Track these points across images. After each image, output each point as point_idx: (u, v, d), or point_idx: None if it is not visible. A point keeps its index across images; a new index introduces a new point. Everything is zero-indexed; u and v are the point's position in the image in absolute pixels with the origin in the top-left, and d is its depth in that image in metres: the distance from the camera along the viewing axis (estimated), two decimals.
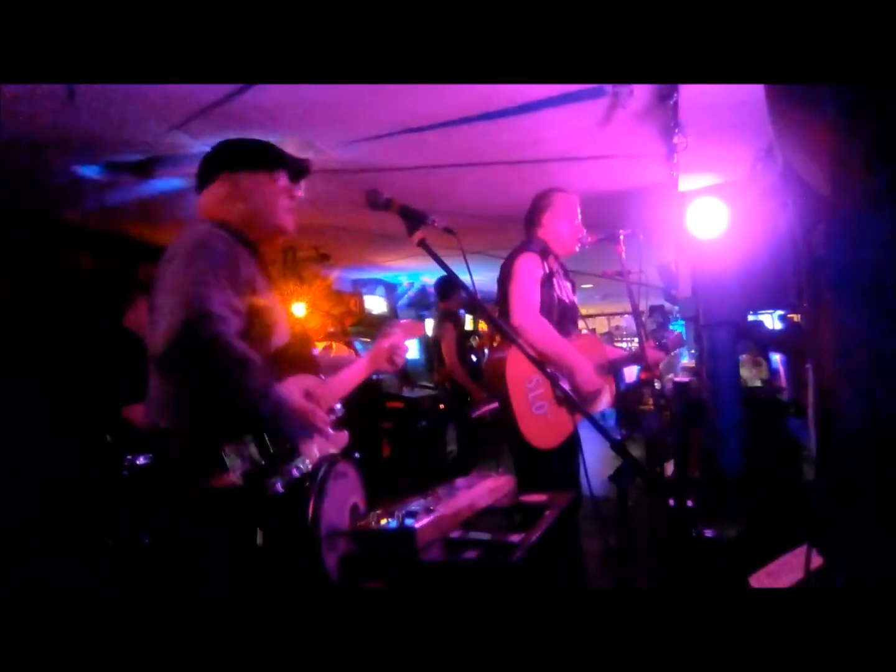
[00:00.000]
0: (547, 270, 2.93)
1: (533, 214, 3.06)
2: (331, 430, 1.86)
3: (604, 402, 3.04)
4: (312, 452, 1.77)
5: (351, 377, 2.03)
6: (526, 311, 2.75)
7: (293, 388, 1.72)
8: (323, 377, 1.91)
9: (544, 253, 2.92)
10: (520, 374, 2.71)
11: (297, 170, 1.93)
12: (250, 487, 1.57)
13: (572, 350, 2.85)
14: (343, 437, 1.93)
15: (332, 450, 1.88)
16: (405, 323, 2.32)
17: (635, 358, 3.07)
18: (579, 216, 3.06)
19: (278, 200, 1.87)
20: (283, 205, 1.88)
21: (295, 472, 1.67)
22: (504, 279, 2.90)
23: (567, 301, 3.02)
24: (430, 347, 5.93)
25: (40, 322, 4.32)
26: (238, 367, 1.52)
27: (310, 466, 1.73)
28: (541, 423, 2.73)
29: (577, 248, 3.06)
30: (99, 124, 3.17)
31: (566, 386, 2.85)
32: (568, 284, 3.13)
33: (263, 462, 1.61)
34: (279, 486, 1.61)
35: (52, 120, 3.07)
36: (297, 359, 1.83)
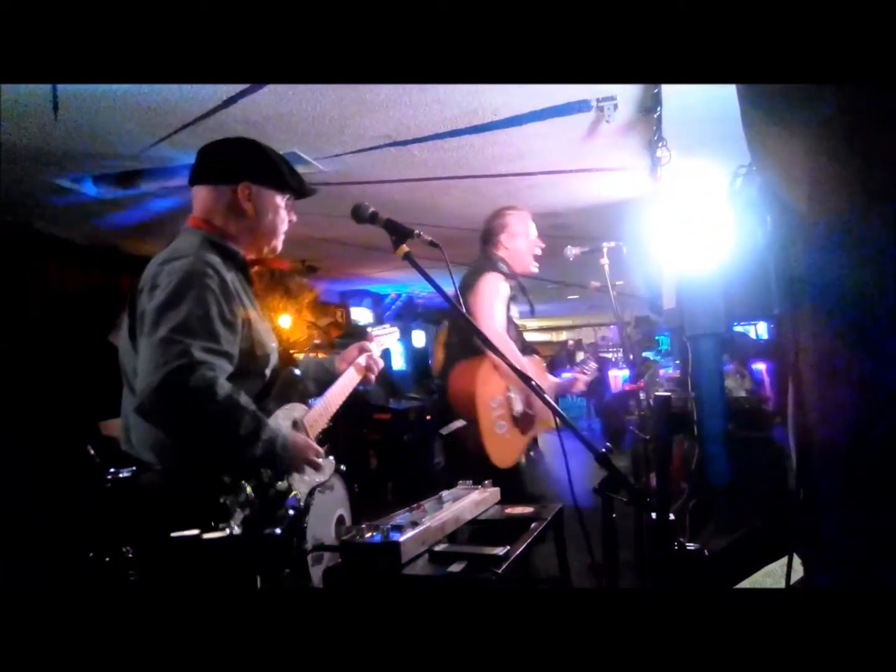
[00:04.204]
0: (510, 293, 2.95)
1: (489, 235, 3.04)
2: (322, 461, 1.86)
3: (550, 424, 3.09)
4: (301, 487, 1.75)
5: (334, 399, 2.00)
6: (493, 329, 2.75)
7: (282, 422, 1.70)
8: (308, 403, 1.89)
9: (508, 275, 2.95)
10: (486, 393, 2.75)
11: (303, 194, 1.90)
12: (251, 535, 1.52)
13: (529, 370, 2.90)
14: (329, 464, 1.91)
15: (320, 479, 1.86)
16: (375, 333, 2.30)
17: (566, 388, 3.18)
18: (534, 231, 3.08)
19: (284, 223, 1.84)
20: (284, 228, 1.85)
21: (291, 513, 1.64)
22: (467, 295, 2.87)
23: (516, 323, 3.09)
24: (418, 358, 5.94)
25: (25, 335, 4.29)
26: (223, 414, 1.48)
27: (301, 503, 1.71)
28: (502, 442, 2.76)
29: (534, 268, 3.08)
30: (84, 137, 3.17)
31: (520, 407, 2.90)
32: (519, 308, 3.19)
33: (261, 505, 1.57)
34: (278, 531, 1.58)
35: (36, 133, 3.06)
36: (283, 384, 1.81)
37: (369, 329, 2.27)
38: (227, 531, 1.47)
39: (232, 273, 1.69)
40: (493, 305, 2.79)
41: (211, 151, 1.80)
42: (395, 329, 2.41)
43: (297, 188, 1.86)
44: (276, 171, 1.80)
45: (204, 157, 1.80)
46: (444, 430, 2.75)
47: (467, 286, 2.89)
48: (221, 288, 1.59)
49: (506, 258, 2.98)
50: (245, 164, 1.77)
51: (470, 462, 2.71)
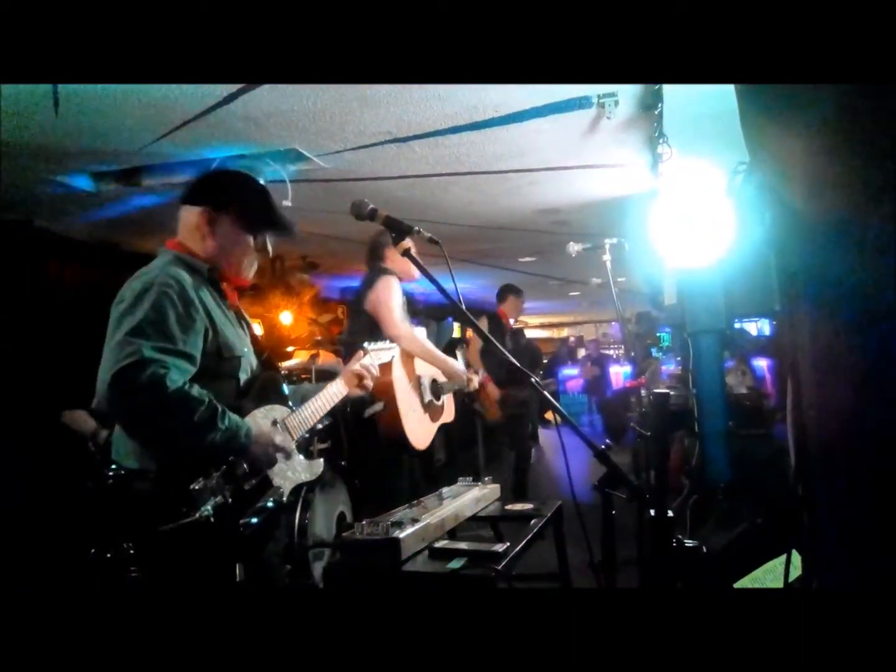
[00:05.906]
0: (402, 294, 3.25)
1: (377, 250, 3.30)
2: (302, 458, 1.88)
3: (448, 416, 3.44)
4: (286, 483, 1.78)
5: (323, 404, 2.03)
6: (399, 323, 3.03)
7: (261, 421, 1.75)
8: (292, 406, 1.91)
9: (399, 279, 3.22)
10: (402, 376, 3.05)
11: (279, 233, 1.93)
12: (223, 522, 1.56)
13: (438, 351, 3.26)
14: (318, 464, 1.94)
15: (306, 477, 1.89)
16: (371, 348, 2.29)
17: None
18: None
19: (247, 256, 1.88)
20: (251, 260, 1.89)
21: (270, 505, 1.68)
22: (368, 294, 3.12)
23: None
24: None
25: (25, 335, 4.29)
26: (174, 405, 1.53)
27: (284, 498, 1.75)
28: (417, 424, 3.06)
29: (416, 275, 3.30)
30: (84, 134, 3.17)
31: (429, 395, 3.20)
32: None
33: (235, 495, 1.61)
34: (254, 520, 1.62)
35: (37, 130, 3.06)
36: (263, 386, 1.85)
37: (365, 344, 2.28)
38: (197, 515, 1.52)
39: (199, 285, 1.75)
40: (396, 304, 3.09)
41: (199, 177, 1.91)
42: (394, 346, 2.39)
43: (266, 223, 1.89)
44: (237, 202, 1.84)
45: (191, 181, 1.90)
46: (368, 412, 2.94)
47: (367, 288, 3.16)
48: (181, 296, 1.66)
49: (393, 268, 3.25)
50: (208, 191, 1.85)
51: (387, 440, 2.96)
